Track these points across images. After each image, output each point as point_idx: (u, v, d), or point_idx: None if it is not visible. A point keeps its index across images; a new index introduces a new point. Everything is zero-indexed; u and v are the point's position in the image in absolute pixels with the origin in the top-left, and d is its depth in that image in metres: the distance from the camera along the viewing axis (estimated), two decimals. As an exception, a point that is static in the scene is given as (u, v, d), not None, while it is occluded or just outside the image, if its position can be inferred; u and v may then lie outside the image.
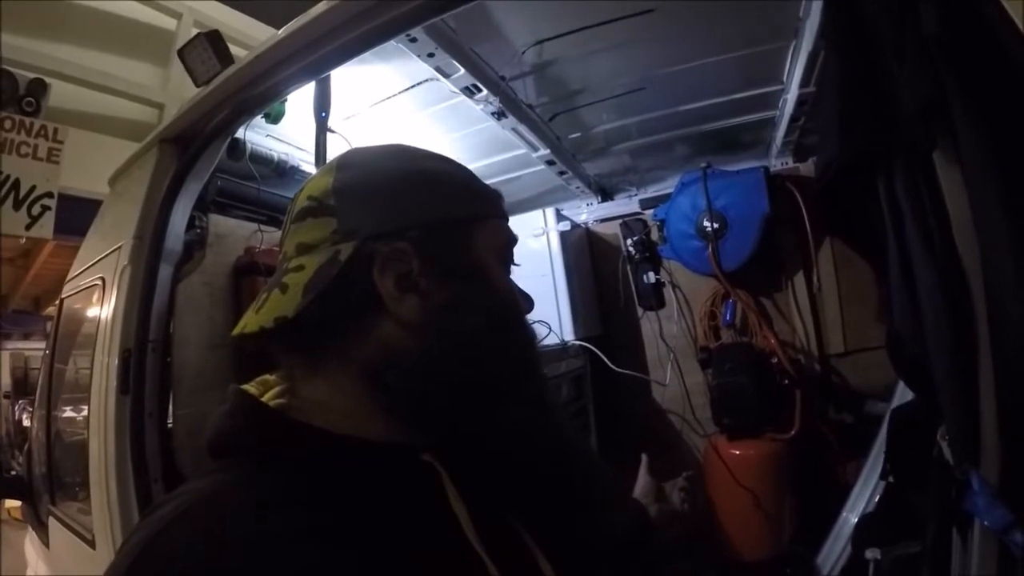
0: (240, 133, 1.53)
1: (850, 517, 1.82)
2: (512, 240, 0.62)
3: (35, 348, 9.45)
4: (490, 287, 0.56)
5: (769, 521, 2.05)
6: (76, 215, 2.78)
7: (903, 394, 1.64)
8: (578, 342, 2.26)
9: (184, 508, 0.44)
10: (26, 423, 7.76)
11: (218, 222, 1.52)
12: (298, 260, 0.52)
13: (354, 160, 0.59)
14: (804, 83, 1.65)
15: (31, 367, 9.31)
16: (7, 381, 9.25)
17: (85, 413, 1.49)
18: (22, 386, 9.08)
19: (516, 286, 0.61)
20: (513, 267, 0.63)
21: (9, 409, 8.77)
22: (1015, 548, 0.61)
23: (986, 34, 0.48)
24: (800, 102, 1.78)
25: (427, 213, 0.54)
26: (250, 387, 0.55)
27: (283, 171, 1.76)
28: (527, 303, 0.62)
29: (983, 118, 0.60)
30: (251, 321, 0.52)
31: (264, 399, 0.54)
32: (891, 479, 1.36)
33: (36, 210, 2.82)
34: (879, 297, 2.04)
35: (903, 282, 0.83)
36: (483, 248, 0.57)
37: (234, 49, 1.38)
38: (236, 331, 0.53)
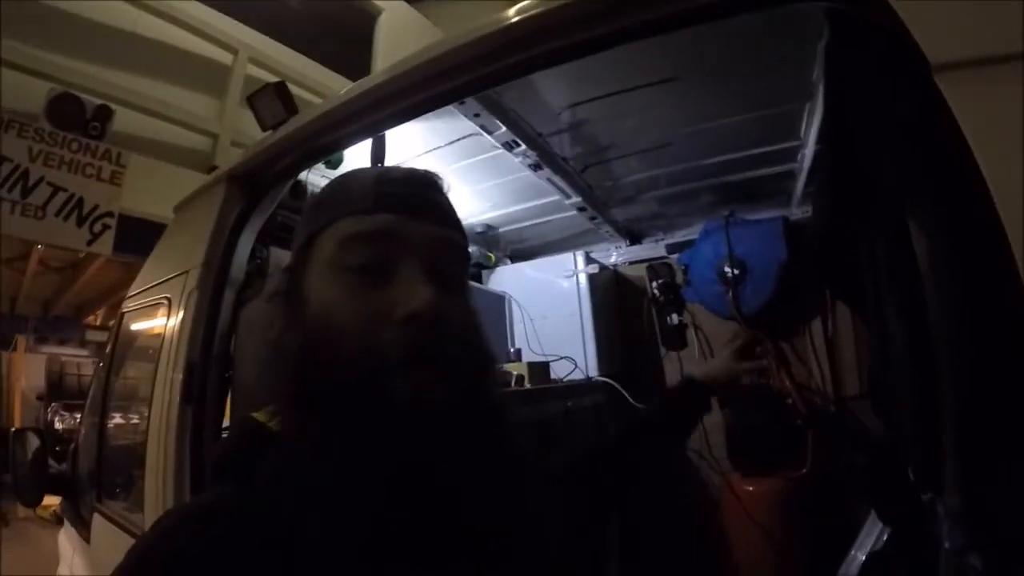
0: (302, 176, 1.68)
1: (858, 555, 1.86)
2: (352, 237, 0.56)
3: (70, 353, 9.70)
4: (303, 307, 0.56)
5: (780, 555, 2.10)
6: (129, 234, 2.96)
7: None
8: (602, 379, 2.35)
9: (172, 524, 0.52)
10: (58, 426, 7.94)
11: (278, 254, 1.64)
12: None
13: None
14: (821, 139, 1.72)
15: (66, 372, 9.50)
16: (42, 384, 9.45)
17: (139, 420, 1.60)
18: (56, 389, 9.25)
19: (372, 292, 0.54)
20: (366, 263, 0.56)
21: (42, 410, 8.97)
22: (973, 571, 0.70)
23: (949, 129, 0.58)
24: (817, 156, 1.86)
25: (291, 254, 0.63)
26: (260, 414, 0.59)
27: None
28: (401, 312, 0.53)
29: (946, 200, 0.71)
30: None
31: (271, 424, 0.57)
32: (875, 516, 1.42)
33: (98, 228, 2.99)
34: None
35: (879, 334, 0.94)
36: (313, 263, 0.58)
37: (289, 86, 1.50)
38: None
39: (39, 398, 9.24)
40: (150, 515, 1.48)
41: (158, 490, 1.44)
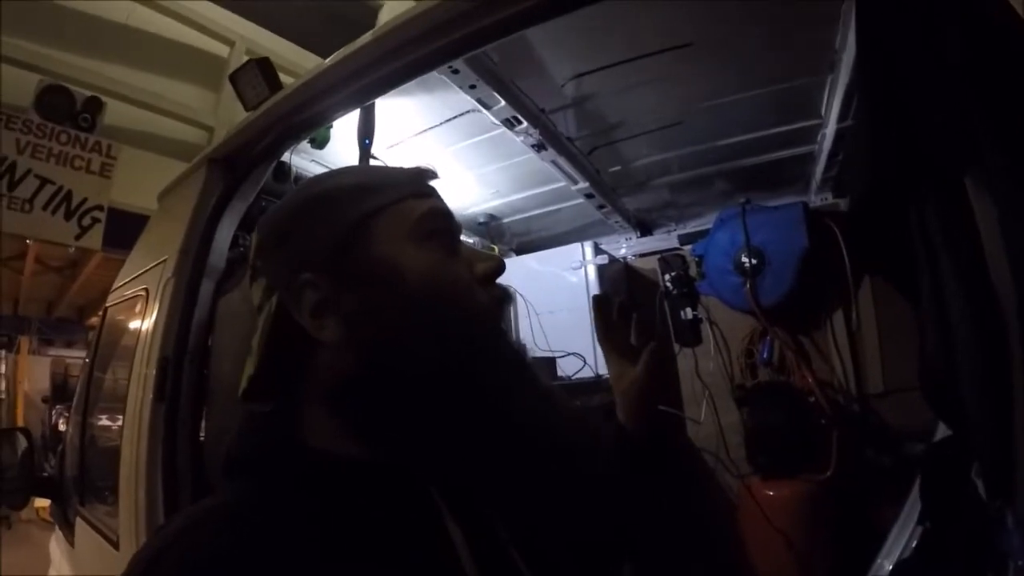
0: (286, 157, 1.57)
1: (885, 564, 1.74)
2: (430, 212, 0.59)
3: (76, 356, 9.73)
4: (400, 277, 0.55)
5: (803, 564, 1.98)
6: (124, 229, 2.89)
7: (943, 434, 1.58)
8: (613, 375, 2.22)
9: (186, 525, 0.48)
10: (61, 427, 7.96)
11: (261, 241, 1.54)
12: (257, 321, 0.58)
13: (267, 216, 0.64)
14: (842, 118, 1.62)
15: (71, 374, 9.50)
16: (47, 386, 9.48)
17: (120, 420, 1.52)
18: (61, 392, 9.27)
19: (453, 259, 0.59)
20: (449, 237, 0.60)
21: (47, 413, 9.00)
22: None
23: (1013, 62, 0.47)
24: (839, 136, 1.75)
25: (315, 237, 0.57)
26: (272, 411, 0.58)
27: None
28: (482, 268, 0.59)
29: (1012, 145, 0.59)
30: (241, 382, 0.58)
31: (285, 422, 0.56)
32: (927, 523, 1.31)
33: (87, 221, 2.93)
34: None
35: (936, 313, 0.82)
36: (387, 239, 0.56)
37: (284, 78, 1.43)
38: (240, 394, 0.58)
39: (44, 400, 9.27)
40: (124, 519, 1.40)
41: (131, 494, 1.36)
